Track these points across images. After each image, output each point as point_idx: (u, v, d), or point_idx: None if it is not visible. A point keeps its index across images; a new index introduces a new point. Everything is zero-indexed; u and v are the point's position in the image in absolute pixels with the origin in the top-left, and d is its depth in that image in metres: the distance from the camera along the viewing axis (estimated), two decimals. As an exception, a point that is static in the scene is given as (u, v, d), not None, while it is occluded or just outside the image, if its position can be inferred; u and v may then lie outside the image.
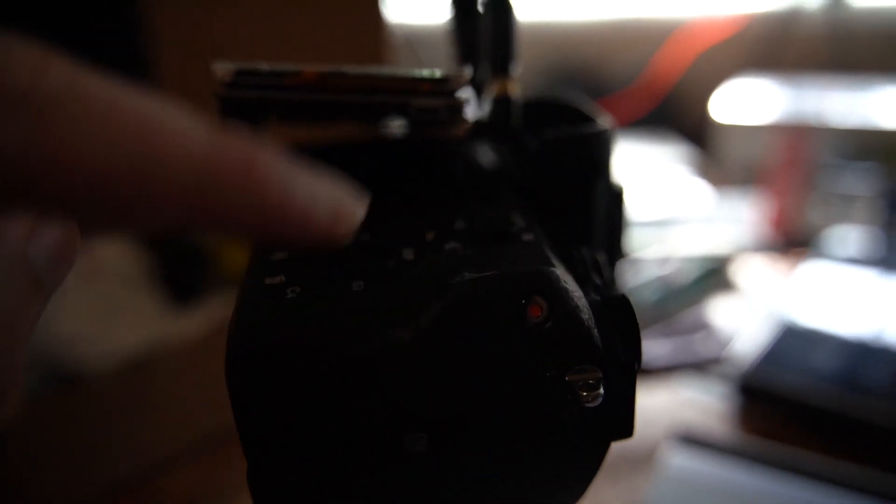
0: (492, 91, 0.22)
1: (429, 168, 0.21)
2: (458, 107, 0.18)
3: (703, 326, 0.49)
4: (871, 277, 0.50)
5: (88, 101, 0.10)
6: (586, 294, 0.16)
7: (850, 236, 0.57)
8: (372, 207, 0.20)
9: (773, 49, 0.84)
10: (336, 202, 0.14)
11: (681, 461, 0.34)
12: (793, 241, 0.62)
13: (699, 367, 0.44)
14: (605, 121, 0.21)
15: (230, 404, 0.14)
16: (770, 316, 0.46)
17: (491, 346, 0.15)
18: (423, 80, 0.18)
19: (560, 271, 0.15)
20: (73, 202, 0.10)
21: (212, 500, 0.36)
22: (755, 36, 0.85)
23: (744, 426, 0.39)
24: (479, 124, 0.22)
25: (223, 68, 0.18)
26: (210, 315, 0.43)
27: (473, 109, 0.23)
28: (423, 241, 0.17)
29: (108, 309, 0.44)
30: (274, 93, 0.18)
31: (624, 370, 0.16)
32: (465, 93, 0.19)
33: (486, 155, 0.21)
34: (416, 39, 0.72)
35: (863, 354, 0.41)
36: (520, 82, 0.22)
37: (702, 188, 0.71)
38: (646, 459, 0.36)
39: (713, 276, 0.54)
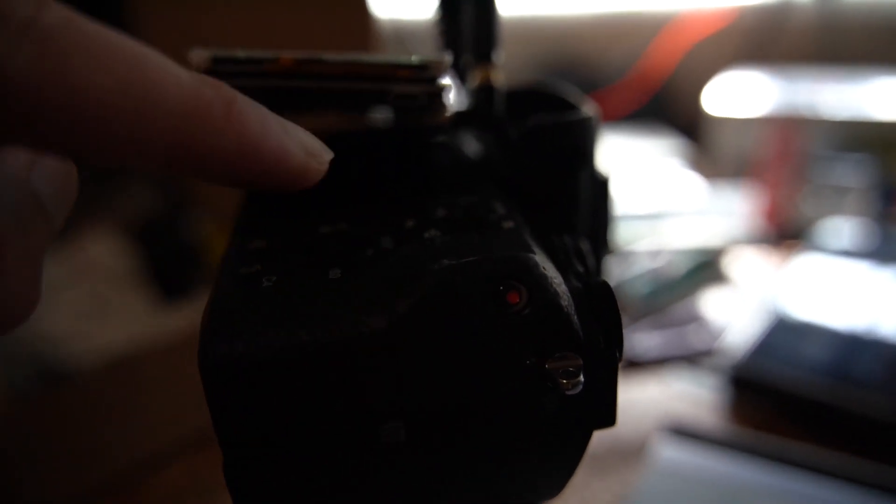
0: (474, 79, 0.21)
1: (410, 156, 0.21)
2: (437, 93, 0.18)
3: (695, 319, 0.48)
4: (864, 270, 0.50)
5: (87, 33, 0.11)
6: (567, 281, 0.16)
7: (842, 228, 0.57)
8: (351, 196, 0.19)
9: (765, 41, 0.84)
10: (307, 141, 0.15)
11: (671, 453, 0.34)
12: (785, 233, 0.62)
13: (691, 359, 0.44)
14: (588, 108, 0.21)
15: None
16: (762, 308, 0.46)
17: (469, 333, 0.14)
18: (402, 67, 0.18)
19: (539, 257, 0.15)
20: (73, 130, 0.11)
21: (201, 498, 0.36)
22: (747, 28, 0.85)
23: (735, 418, 0.39)
24: (461, 112, 0.21)
25: (199, 55, 0.18)
26: (199, 311, 0.42)
27: (456, 97, 0.23)
28: (402, 229, 0.17)
29: (96, 306, 0.43)
30: (251, 80, 0.18)
31: (605, 357, 0.15)
32: (446, 79, 0.18)
33: (468, 143, 0.21)
34: (404, 34, 0.71)
35: (854, 347, 0.41)
36: (503, 70, 0.22)
37: (694, 181, 0.71)
38: (637, 452, 0.36)
39: (705, 269, 0.54)
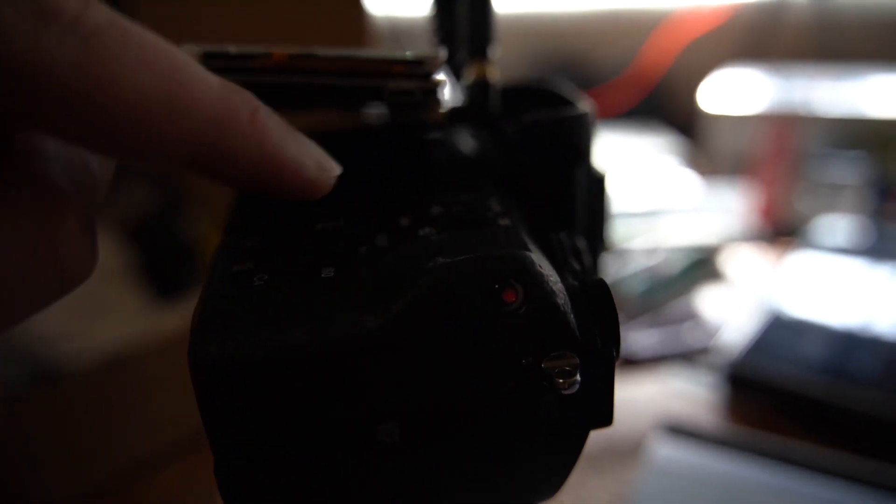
0: (470, 75, 0.21)
1: (405, 153, 0.21)
2: (432, 89, 0.18)
3: (691, 316, 0.48)
4: (859, 267, 0.50)
5: (130, 34, 0.11)
6: (564, 279, 0.16)
7: (838, 225, 0.57)
8: (347, 194, 0.19)
9: (761, 39, 0.84)
10: (319, 156, 0.16)
11: (668, 451, 0.34)
12: (781, 230, 0.62)
13: (687, 357, 0.44)
14: (585, 104, 0.21)
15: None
16: (758, 306, 0.46)
17: (464, 332, 0.14)
18: (396, 62, 0.18)
19: (536, 255, 0.15)
20: (108, 125, 0.11)
21: (198, 498, 0.36)
22: (743, 26, 0.85)
23: (732, 416, 0.39)
24: (456, 109, 0.21)
25: (190, 50, 0.17)
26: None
27: (451, 93, 0.22)
28: (397, 227, 0.17)
29: (91, 305, 0.43)
30: (243, 76, 0.18)
31: (601, 357, 0.15)
32: (441, 75, 0.18)
33: (463, 139, 0.21)
34: (399, 31, 0.71)
35: (851, 344, 0.41)
36: (498, 66, 0.21)
37: (690, 178, 0.71)
38: (633, 450, 0.35)
39: (701, 266, 0.54)
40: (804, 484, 0.32)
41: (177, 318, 0.44)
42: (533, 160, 0.20)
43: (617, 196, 0.67)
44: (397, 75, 0.18)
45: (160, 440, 0.39)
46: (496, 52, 0.21)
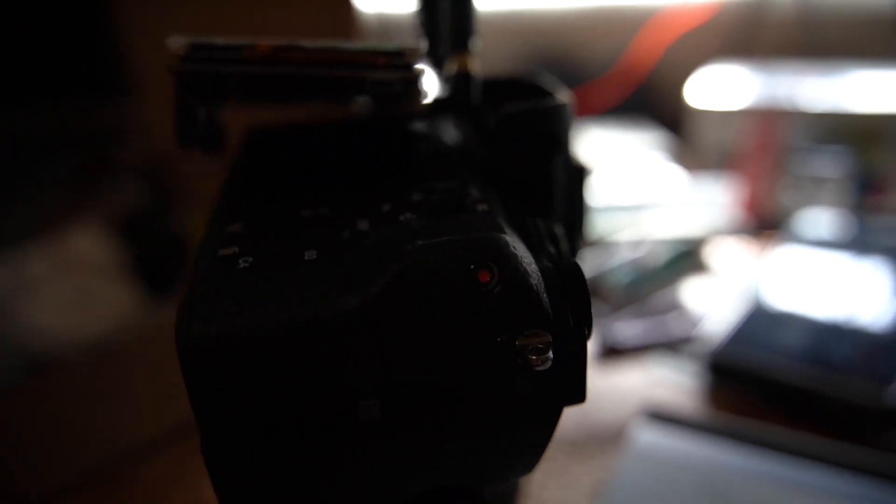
0: (451, 67, 0.22)
1: (390, 144, 0.21)
2: (413, 79, 0.18)
3: (675, 307, 0.49)
4: (841, 259, 0.51)
5: None
6: (539, 261, 0.16)
7: (820, 219, 0.58)
8: (331, 182, 0.20)
9: (746, 36, 0.85)
10: None
11: (649, 437, 0.35)
12: (765, 223, 0.63)
13: (671, 346, 0.45)
14: (563, 96, 0.21)
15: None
16: (741, 297, 0.46)
17: (441, 311, 0.15)
18: (378, 53, 0.18)
19: (510, 238, 0.16)
20: None
21: (186, 489, 0.36)
22: (728, 23, 0.86)
23: (714, 403, 0.40)
24: (438, 100, 0.22)
25: (178, 42, 0.18)
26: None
27: (433, 85, 0.23)
28: (378, 212, 0.17)
29: (81, 299, 0.43)
30: (229, 66, 0.18)
31: (574, 335, 0.16)
32: (421, 66, 0.19)
33: (444, 129, 0.21)
34: (388, 27, 0.71)
35: (831, 334, 0.42)
36: (479, 58, 0.22)
37: (676, 172, 0.72)
38: (616, 437, 0.36)
39: (686, 259, 0.55)
40: (784, 468, 0.33)
41: (167, 311, 0.44)
42: (511, 149, 0.21)
43: (604, 190, 0.68)
44: (379, 66, 0.18)
45: (149, 432, 0.39)
46: (477, 44, 0.22)
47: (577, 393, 0.16)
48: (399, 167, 0.20)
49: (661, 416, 0.36)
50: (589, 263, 0.50)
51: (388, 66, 0.18)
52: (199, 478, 0.36)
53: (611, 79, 0.80)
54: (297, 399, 0.15)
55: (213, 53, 0.18)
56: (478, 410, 0.16)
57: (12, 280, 0.42)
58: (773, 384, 0.39)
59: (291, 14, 0.44)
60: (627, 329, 0.46)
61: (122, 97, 0.50)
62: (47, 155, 0.52)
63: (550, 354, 0.15)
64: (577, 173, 0.23)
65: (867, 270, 0.49)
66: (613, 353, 0.45)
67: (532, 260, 0.16)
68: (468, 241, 0.15)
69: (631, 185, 0.69)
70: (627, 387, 0.41)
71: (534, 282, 0.15)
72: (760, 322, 0.44)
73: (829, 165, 0.63)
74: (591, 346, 0.28)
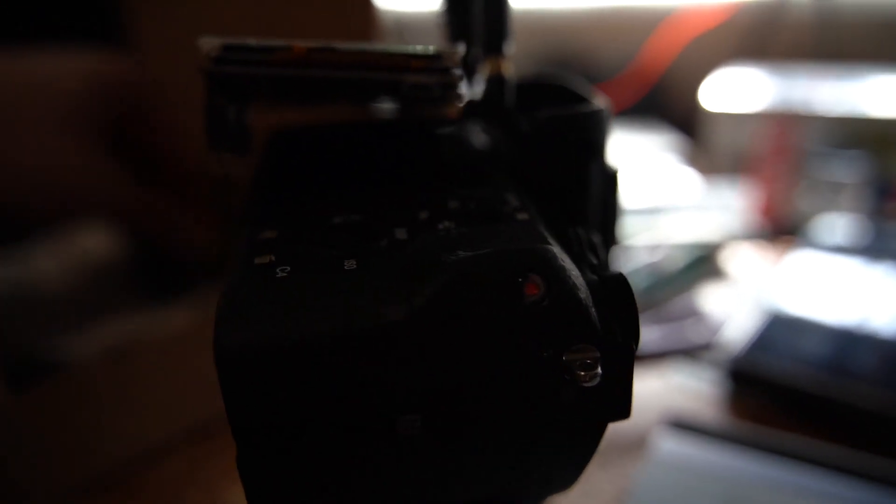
0: (485, 71, 0.21)
1: (421, 148, 0.21)
2: (451, 84, 0.18)
3: (692, 313, 0.49)
4: (859, 265, 0.50)
5: None
6: (583, 273, 0.16)
7: (837, 224, 0.57)
8: (361, 188, 0.19)
9: (762, 38, 0.84)
10: None
11: (670, 446, 0.34)
12: (781, 228, 0.62)
13: (689, 353, 0.44)
14: (599, 101, 0.21)
15: (220, 390, 0.14)
16: (759, 303, 0.46)
17: (486, 325, 0.14)
18: (415, 57, 0.18)
19: (557, 249, 0.15)
20: None
21: (198, 492, 0.36)
22: (744, 25, 0.85)
23: (733, 411, 0.39)
24: (471, 104, 0.21)
25: (210, 42, 0.17)
26: (196, 305, 0.42)
27: (466, 90, 0.22)
28: (416, 220, 0.17)
29: (90, 300, 0.43)
30: (262, 68, 0.18)
31: (621, 350, 0.15)
32: (459, 70, 0.18)
33: (479, 135, 0.21)
34: (406, 27, 0.71)
35: (849, 341, 0.42)
36: (513, 62, 0.22)
37: (691, 176, 0.72)
38: (636, 445, 0.36)
39: (703, 264, 0.54)
40: (804, 477, 0.32)
41: (175, 313, 0.44)
42: (547, 156, 0.20)
43: (624, 190, 0.67)
44: (416, 69, 0.18)
45: (161, 435, 0.39)
46: (511, 48, 0.22)
47: (622, 409, 0.16)
48: (431, 172, 0.20)
49: (683, 425, 0.36)
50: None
51: (426, 69, 0.18)
52: (215, 481, 0.36)
53: (624, 80, 0.80)
54: (337, 412, 0.14)
55: (246, 55, 0.17)
56: (521, 426, 0.15)
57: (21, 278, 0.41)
58: (792, 392, 0.39)
59: (309, 12, 0.43)
60: (645, 335, 0.46)
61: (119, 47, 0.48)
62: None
63: (599, 370, 0.14)
64: (612, 178, 0.23)
65: (885, 276, 0.48)
66: (631, 358, 0.44)
67: (579, 273, 0.15)
68: (515, 252, 0.15)
69: (645, 189, 0.68)
70: (646, 393, 0.41)
71: (582, 296, 0.15)
72: (779, 329, 0.43)
73: (846, 170, 0.63)
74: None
